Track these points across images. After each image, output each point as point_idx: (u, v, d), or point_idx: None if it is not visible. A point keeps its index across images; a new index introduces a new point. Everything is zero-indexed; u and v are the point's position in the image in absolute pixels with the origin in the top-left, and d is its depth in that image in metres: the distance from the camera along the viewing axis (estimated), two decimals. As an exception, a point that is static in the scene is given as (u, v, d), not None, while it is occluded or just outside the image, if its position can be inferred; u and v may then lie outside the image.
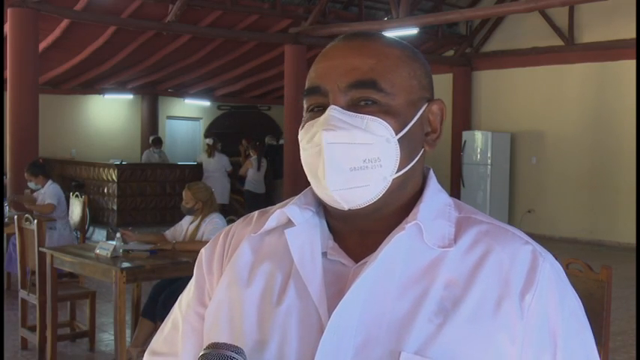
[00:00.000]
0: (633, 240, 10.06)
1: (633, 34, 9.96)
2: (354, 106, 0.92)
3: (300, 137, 0.94)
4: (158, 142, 12.70)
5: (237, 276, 0.98)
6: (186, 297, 1.06)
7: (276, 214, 0.99)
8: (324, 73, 0.94)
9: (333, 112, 0.91)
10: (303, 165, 0.94)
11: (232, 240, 1.03)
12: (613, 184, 11.06)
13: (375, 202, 0.92)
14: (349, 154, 0.90)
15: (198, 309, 1.03)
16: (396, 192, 0.94)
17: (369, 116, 0.91)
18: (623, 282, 7.20)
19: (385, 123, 0.91)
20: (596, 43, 11.22)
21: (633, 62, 9.97)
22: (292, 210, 0.98)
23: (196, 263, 1.07)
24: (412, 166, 0.94)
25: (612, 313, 2.78)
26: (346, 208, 0.92)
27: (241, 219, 1.08)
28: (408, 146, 0.93)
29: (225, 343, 0.86)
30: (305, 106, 0.97)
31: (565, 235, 11.54)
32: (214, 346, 0.86)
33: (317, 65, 0.96)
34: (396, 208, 0.95)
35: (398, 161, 0.92)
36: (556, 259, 0.97)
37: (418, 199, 0.96)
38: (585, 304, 2.98)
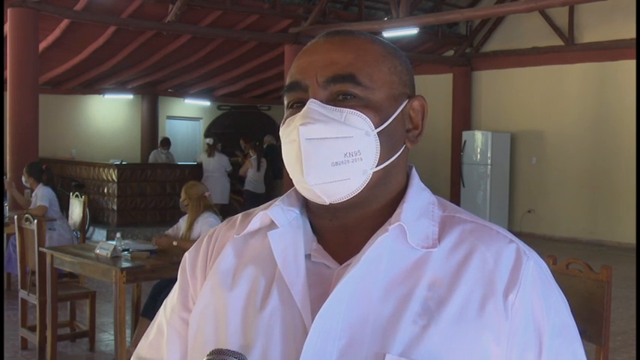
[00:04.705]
0: (633, 240, 10.06)
1: (633, 34, 9.96)
2: (334, 101, 0.92)
3: (281, 134, 0.94)
4: (166, 143, 12.78)
5: (220, 280, 0.97)
6: (171, 302, 1.06)
7: (260, 216, 0.99)
8: (304, 69, 0.94)
9: (312, 105, 0.91)
10: (284, 161, 0.94)
11: (216, 243, 1.03)
12: (613, 184, 11.06)
13: (355, 195, 0.91)
14: (329, 149, 0.89)
15: (182, 314, 1.02)
16: (378, 187, 0.93)
17: (348, 109, 0.90)
18: (623, 282, 7.21)
19: (364, 116, 0.91)
20: (596, 43, 11.22)
21: (633, 62, 9.97)
22: (275, 212, 0.97)
23: (180, 267, 1.07)
24: (393, 161, 0.94)
25: (612, 313, 2.78)
26: (327, 202, 0.92)
27: (224, 222, 1.07)
28: (388, 141, 0.93)
29: (228, 350, 0.86)
30: (285, 102, 0.97)
31: (565, 235, 11.54)
32: (218, 352, 0.86)
33: (297, 62, 0.96)
34: (378, 206, 0.95)
35: (378, 155, 0.91)
36: (544, 256, 0.96)
37: (401, 197, 0.95)
38: (585, 304, 2.97)
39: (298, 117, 0.91)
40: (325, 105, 0.91)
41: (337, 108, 0.91)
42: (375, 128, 0.91)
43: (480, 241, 0.92)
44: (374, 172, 0.92)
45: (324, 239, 0.97)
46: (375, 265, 0.90)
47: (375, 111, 0.92)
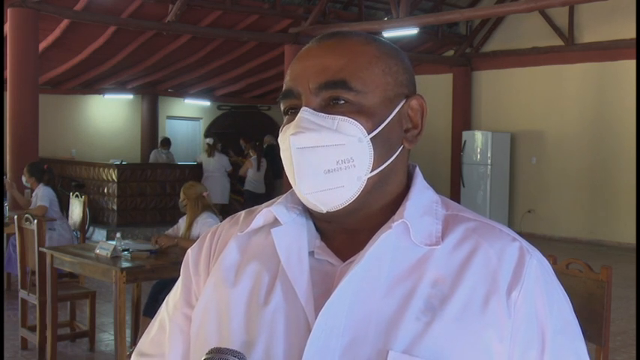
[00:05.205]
0: (633, 240, 10.06)
1: (633, 34, 9.96)
2: (326, 107, 0.92)
3: (279, 140, 0.95)
4: (167, 143, 12.83)
5: (223, 276, 0.98)
6: (173, 298, 1.06)
7: (263, 213, 0.99)
8: (297, 76, 0.94)
9: (304, 114, 0.91)
10: (284, 167, 0.94)
11: (219, 240, 1.03)
12: (613, 184, 11.06)
13: (352, 202, 0.91)
14: (321, 157, 0.90)
15: (185, 310, 1.02)
16: (374, 191, 0.93)
17: (340, 116, 0.90)
18: (623, 282, 7.21)
19: (356, 122, 0.90)
20: (596, 43, 11.22)
21: (633, 62, 9.97)
22: (279, 209, 0.98)
23: (183, 264, 1.07)
24: (389, 164, 0.94)
25: (612, 313, 2.78)
26: (324, 210, 0.92)
27: (228, 219, 1.08)
28: (383, 144, 0.92)
29: (227, 349, 0.86)
30: (282, 109, 0.97)
31: (565, 235, 11.54)
32: (217, 351, 0.86)
33: (291, 68, 0.96)
34: (378, 207, 0.95)
35: (372, 160, 0.91)
36: (544, 256, 0.97)
37: (404, 196, 0.96)
38: (585, 304, 2.97)
39: (291, 126, 0.91)
40: (317, 113, 0.91)
41: (329, 115, 0.90)
42: (368, 134, 0.91)
43: (484, 238, 0.92)
44: (369, 178, 0.92)
45: (327, 236, 0.97)
46: (378, 262, 0.90)
47: (368, 116, 0.91)
